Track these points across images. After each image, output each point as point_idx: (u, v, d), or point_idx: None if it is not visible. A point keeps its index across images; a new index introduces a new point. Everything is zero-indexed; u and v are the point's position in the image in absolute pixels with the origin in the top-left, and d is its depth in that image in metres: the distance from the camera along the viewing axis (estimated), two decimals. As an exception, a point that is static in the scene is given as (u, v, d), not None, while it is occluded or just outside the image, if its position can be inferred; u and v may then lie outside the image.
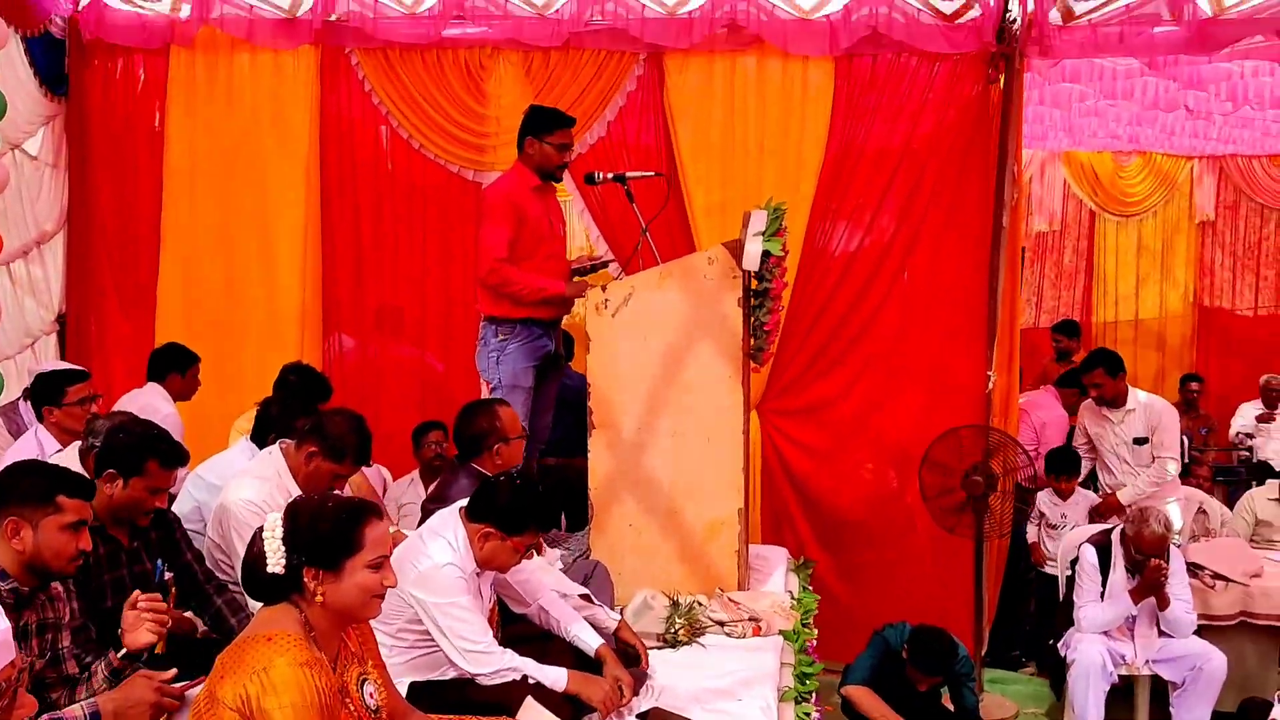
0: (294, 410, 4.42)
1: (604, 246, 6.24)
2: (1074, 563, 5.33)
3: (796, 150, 6.14)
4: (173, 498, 4.57)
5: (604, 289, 4.43)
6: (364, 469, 4.58)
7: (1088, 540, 5.25)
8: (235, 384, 6.08)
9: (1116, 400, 6.00)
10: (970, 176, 6.11)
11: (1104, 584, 5.09)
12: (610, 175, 5.21)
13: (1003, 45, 5.96)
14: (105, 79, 6.40)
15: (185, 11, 6.21)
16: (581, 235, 6.84)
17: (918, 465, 5.76)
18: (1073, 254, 11.06)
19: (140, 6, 6.28)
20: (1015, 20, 5.89)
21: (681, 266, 4.38)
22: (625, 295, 4.39)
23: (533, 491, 3.36)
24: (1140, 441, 5.94)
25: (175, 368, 5.58)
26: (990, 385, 6.09)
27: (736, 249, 4.27)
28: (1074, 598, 5.21)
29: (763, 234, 4.21)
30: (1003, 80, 6.01)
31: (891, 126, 6.14)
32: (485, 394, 5.62)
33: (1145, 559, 4.90)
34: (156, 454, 3.36)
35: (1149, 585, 4.94)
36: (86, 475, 3.12)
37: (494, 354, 4.98)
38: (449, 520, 3.35)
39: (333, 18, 6.22)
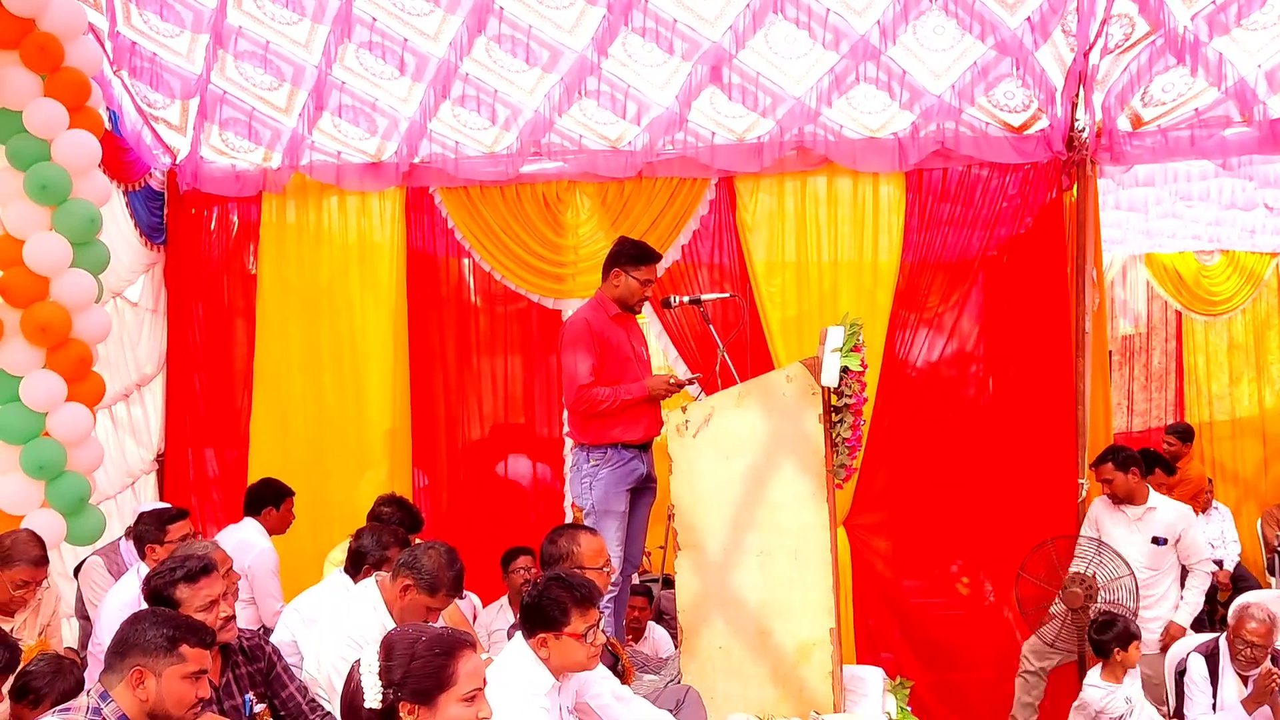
0: (387, 542, 4.45)
1: (683, 367, 6.32)
2: (1181, 674, 5.12)
3: (872, 263, 6.20)
4: (269, 631, 4.65)
5: (684, 410, 4.45)
6: (454, 598, 4.57)
7: (1195, 650, 5.06)
8: (327, 517, 6.21)
9: (1132, 498, 5.71)
10: (1050, 282, 6.12)
11: (1214, 695, 4.89)
12: (686, 299, 5.30)
13: (1073, 153, 5.99)
14: (201, 226, 6.74)
15: (276, 161, 6.52)
16: (660, 356, 6.85)
17: (1013, 578, 5.62)
18: (1162, 355, 10.81)
19: (234, 157, 6.60)
20: (1084, 129, 5.93)
21: (760, 385, 4.37)
22: (705, 415, 4.39)
23: (555, 580, 3.37)
24: (1159, 542, 5.66)
25: (270, 502, 5.67)
26: (1083, 494, 5.98)
27: (814, 366, 4.27)
28: (1184, 711, 5.01)
29: (840, 350, 4.21)
30: (1075, 187, 6.04)
31: (967, 236, 6.20)
32: (571, 519, 5.63)
33: (1253, 654, 4.71)
34: (180, 570, 3.38)
35: (1262, 693, 4.75)
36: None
37: (586, 479, 4.99)
38: (517, 646, 3.38)
39: (416, 160, 6.48)
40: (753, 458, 4.33)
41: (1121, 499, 5.68)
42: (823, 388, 4.27)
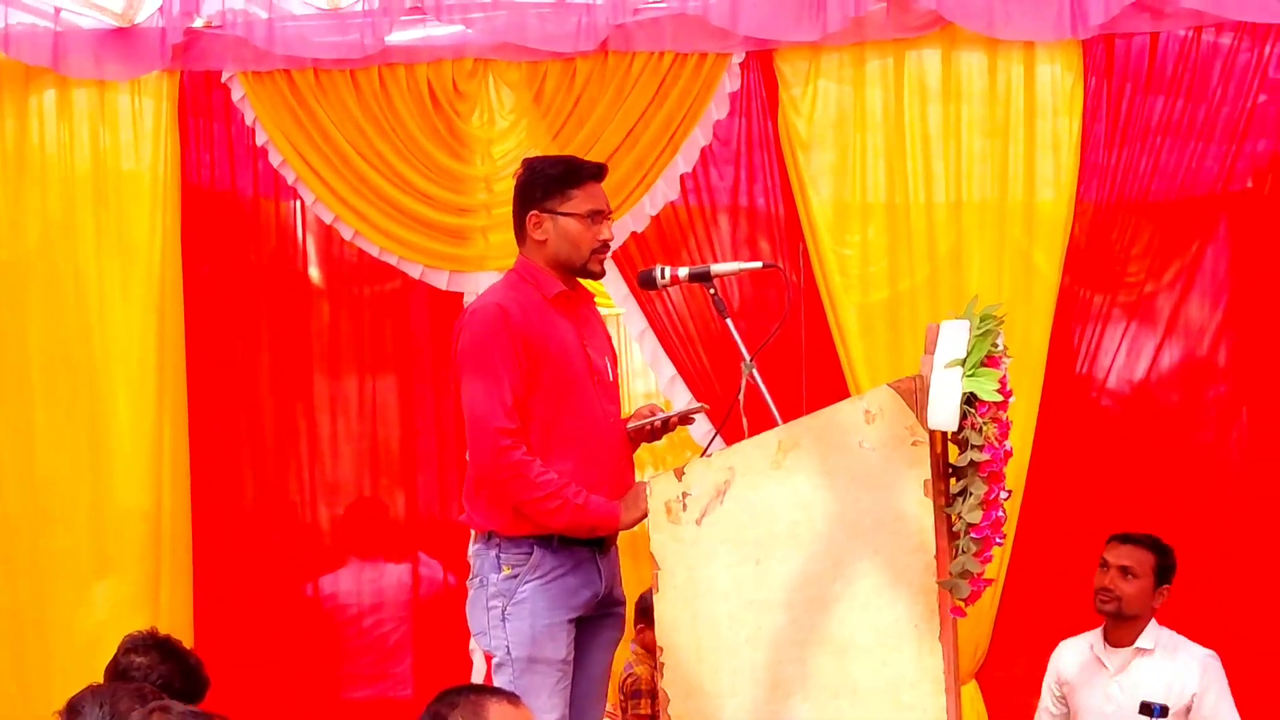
0: (130, 720, 4.27)
1: (685, 395, 6.34)
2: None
3: (1023, 205, 6.23)
4: None
5: (680, 473, 4.39)
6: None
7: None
8: (34, 670, 6.23)
9: (1128, 626, 5.78)
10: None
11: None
12: (684, 271, 5.14)
13: None
14: None
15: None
16: (644, 376, 6.93)
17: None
18: None
19: None
20: None
21: (819, 429, 4.32)
22: (719, 485, 4.34)
23: None
24: (1153, 712, 5.52)
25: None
26: None
27: (914, 391, 4.24)
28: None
29: (963, 362, 4.14)
30: None
31: (1195, 154, 6.24)
32: (479, 671, 5.69)
33: None
34: None
35: None
36: None
37: (495, 603, 4.82)
38: None
39: (198, 23, 6.40)
40: (805, 561, 4.30)
41: (1126, 616, 5.79)
42: (931, 433, 4.23)
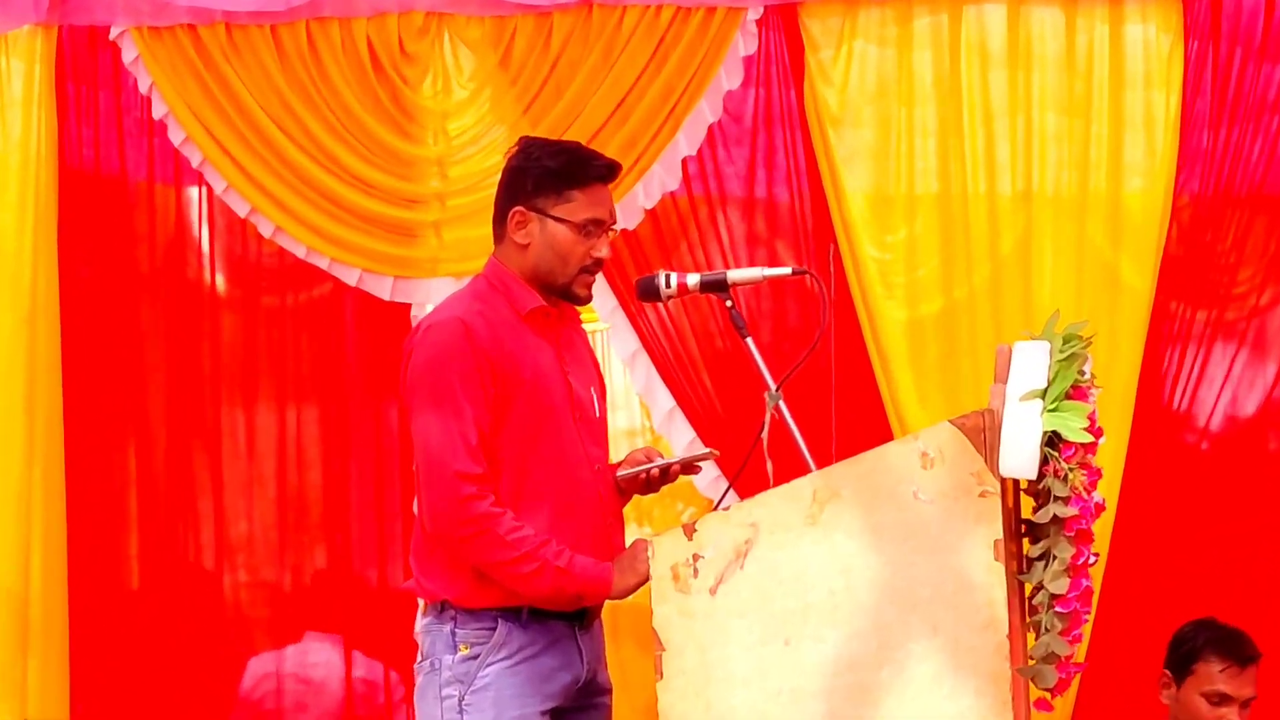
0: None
1: (686, 433, 6.13)
2: None
3: (1109, 197, 6.05)
4: None
5: (689, 531, 4.15)
6: None
7: None
8: None
9: None
10: None
11: None
12: (693, 279, 4.85)
13: None
14: None
15: None
16: (628, 408, 6.66)
17: None
18: None
19: None
20: None
21: (863, 475, 4.09)
22: (739, 546, 4.10)
23: None
24: None
25: None
26: None
27: (983, 430, 3.98)
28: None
29: (1043, 394, 3.92)
30: None
31: None
32: None
33: None
34: None
35: None
36: None
37: (450, 691, 4.45)
38: None
39: None
40: (846, 640, 4.10)
41: None
42: (1004, 482, 4.01)
